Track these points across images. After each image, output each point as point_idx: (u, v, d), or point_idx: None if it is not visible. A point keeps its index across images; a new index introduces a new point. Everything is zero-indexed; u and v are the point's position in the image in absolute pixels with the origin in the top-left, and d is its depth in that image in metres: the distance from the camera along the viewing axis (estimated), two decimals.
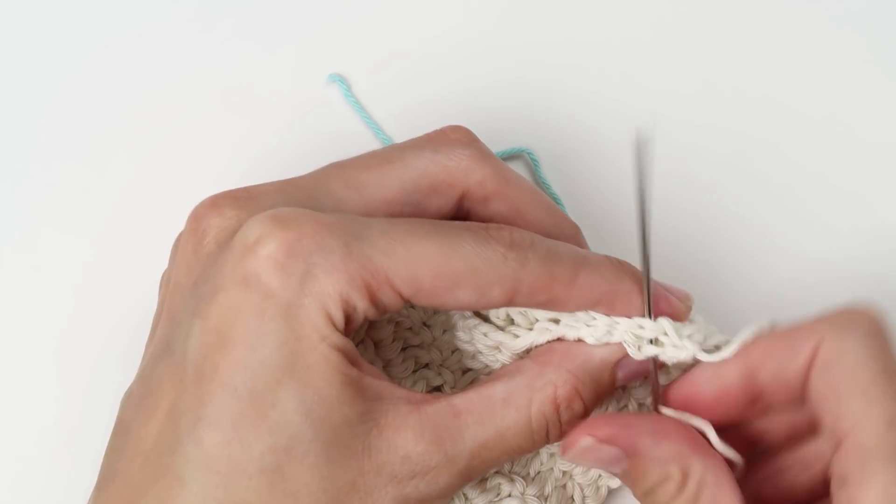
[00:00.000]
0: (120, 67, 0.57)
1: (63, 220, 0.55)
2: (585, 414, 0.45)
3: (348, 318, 0.42)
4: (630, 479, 0.43)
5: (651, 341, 0.44)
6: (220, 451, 0.40)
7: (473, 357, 0.49)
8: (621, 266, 0.45)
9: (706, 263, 0.55)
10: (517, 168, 0.56)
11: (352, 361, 0.42)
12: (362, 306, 0.42)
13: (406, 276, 0.42)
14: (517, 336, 0.47)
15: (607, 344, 0.45)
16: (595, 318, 0.45)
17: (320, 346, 0.41)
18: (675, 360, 0.44)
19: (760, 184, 0.56)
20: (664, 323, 0.44)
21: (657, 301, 0.44)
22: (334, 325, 0.41)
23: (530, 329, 0.46)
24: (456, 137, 0.47)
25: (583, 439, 0.42)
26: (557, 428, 0.44)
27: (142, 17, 0.58)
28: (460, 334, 0.48)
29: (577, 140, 0.56)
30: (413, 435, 0.42)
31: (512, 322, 0.47)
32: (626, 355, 0.45)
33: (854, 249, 0.55)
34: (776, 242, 0.55)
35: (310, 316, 0.41)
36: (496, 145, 0.55)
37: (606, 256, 0.45)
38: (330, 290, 0.41)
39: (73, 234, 0.55)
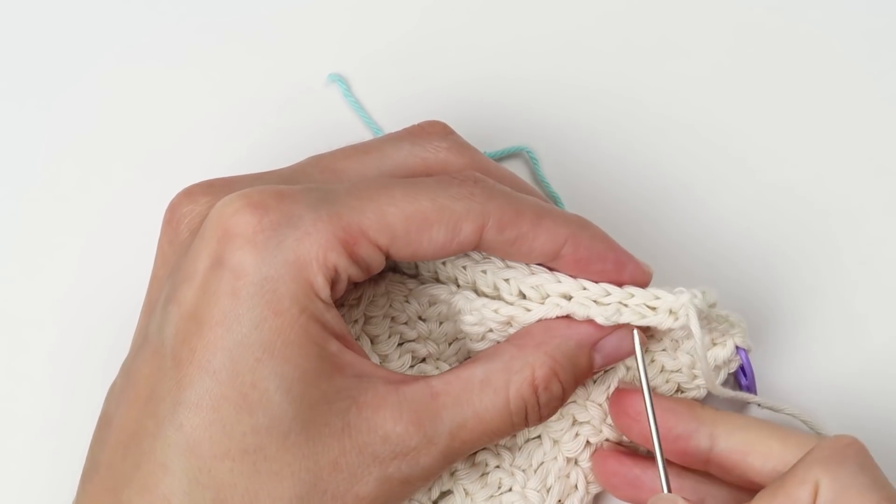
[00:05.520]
0: (118, 67, 0.58)
1: (64, 218, 0.56)
2: (564, 396, 0.45)
3: (332, 282, 0.42)
4: None
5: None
6: (202, 433, 0.40)
7: (483, 339, 0.48)
8: (581, 217, 0.46)
9: (710, 265, 0.54)
10: (516, 166, 0.56)
11: (337, 334, 0.42)
12: (343, 264, 0.42)
13: (378, 225, 0.42)
14: (529, 310, 0.46)
15: (589, 322, 0.45)
16: (609, 294, 0.45)
17: (300, 319, 0.41)
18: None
19: (759, 184, 0.55)
20: (685, 301, 0.45)
21: (625, 265, 0.46)
22: (316, 293, 0.41)
23: (542, 304, 0.46)
24: (433, 131, 0.47)
25: None
26: (536, 410, 0.44)
27: (140, 17, 0.58)
28: (467, 317, 0.48)
29: (576, 139, 0.56)
30: (391, 415, 0.42)
31: (523, 297, 0.47)
32: (603, 337, 0.45)
33: None
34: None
35: (288, 288, 0.41)
36: (496, 144, 0.55)
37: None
38: (306, 255, 0.41)
39: (71, 234, 0.55)
